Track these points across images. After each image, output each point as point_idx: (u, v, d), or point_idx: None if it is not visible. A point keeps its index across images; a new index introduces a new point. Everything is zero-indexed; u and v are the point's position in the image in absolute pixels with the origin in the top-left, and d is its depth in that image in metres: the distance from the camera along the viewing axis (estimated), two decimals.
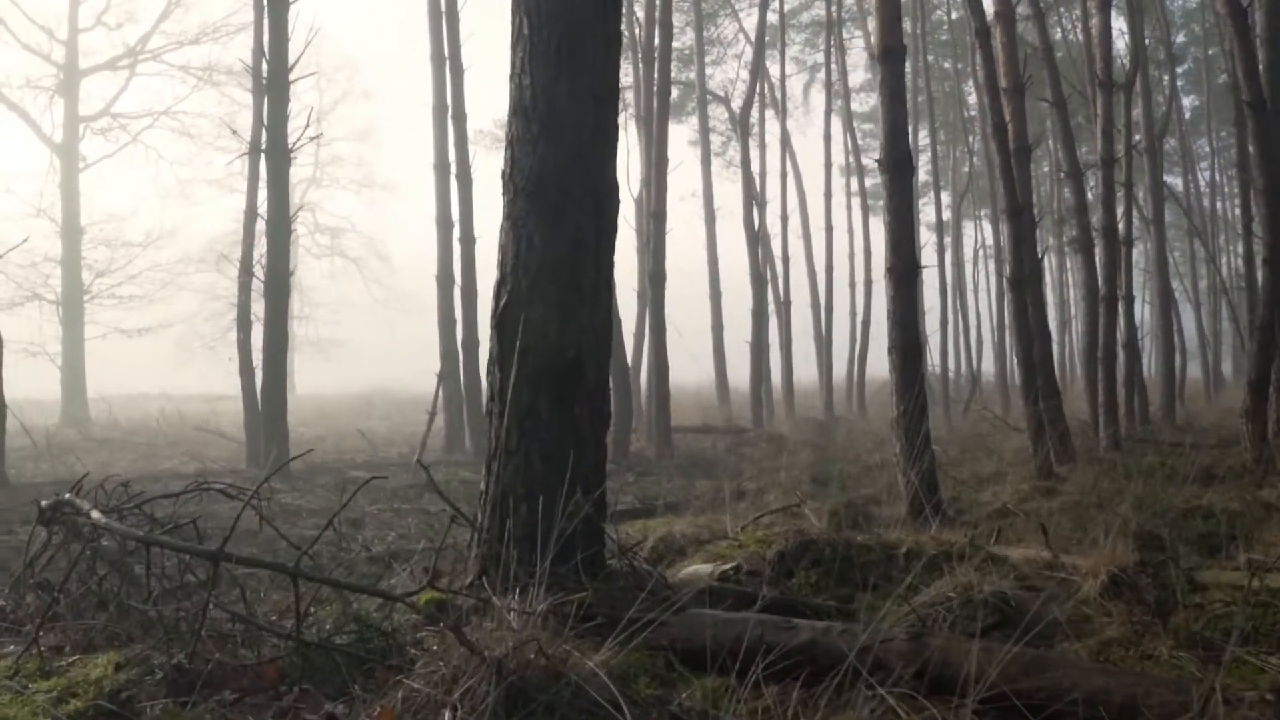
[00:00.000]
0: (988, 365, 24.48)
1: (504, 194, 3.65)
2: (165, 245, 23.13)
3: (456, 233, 13.83)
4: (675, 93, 19.26)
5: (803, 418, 18.70)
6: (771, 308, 21.18)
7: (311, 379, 29.47)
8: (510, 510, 3.35)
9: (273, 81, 10.83)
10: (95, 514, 3.14)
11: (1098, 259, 11.88)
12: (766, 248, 21.06)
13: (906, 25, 19.29)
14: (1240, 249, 25.59)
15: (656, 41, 14.22)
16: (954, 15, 25.04)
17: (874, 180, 27.80)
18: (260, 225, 11.52)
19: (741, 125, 20.68)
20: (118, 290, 21.74)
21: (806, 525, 4.43)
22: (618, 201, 3.75)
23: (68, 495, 3.49)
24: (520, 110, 3.58)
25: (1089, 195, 13.89)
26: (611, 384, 4.05)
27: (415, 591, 2.93)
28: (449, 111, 13.89)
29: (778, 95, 23.67)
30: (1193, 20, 26.53)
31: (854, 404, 21.57)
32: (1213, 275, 23.72)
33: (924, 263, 7.74)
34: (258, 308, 11.75)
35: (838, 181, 24.62)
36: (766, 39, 21.61)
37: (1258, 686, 2.49)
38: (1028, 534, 5.77)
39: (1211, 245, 24.22)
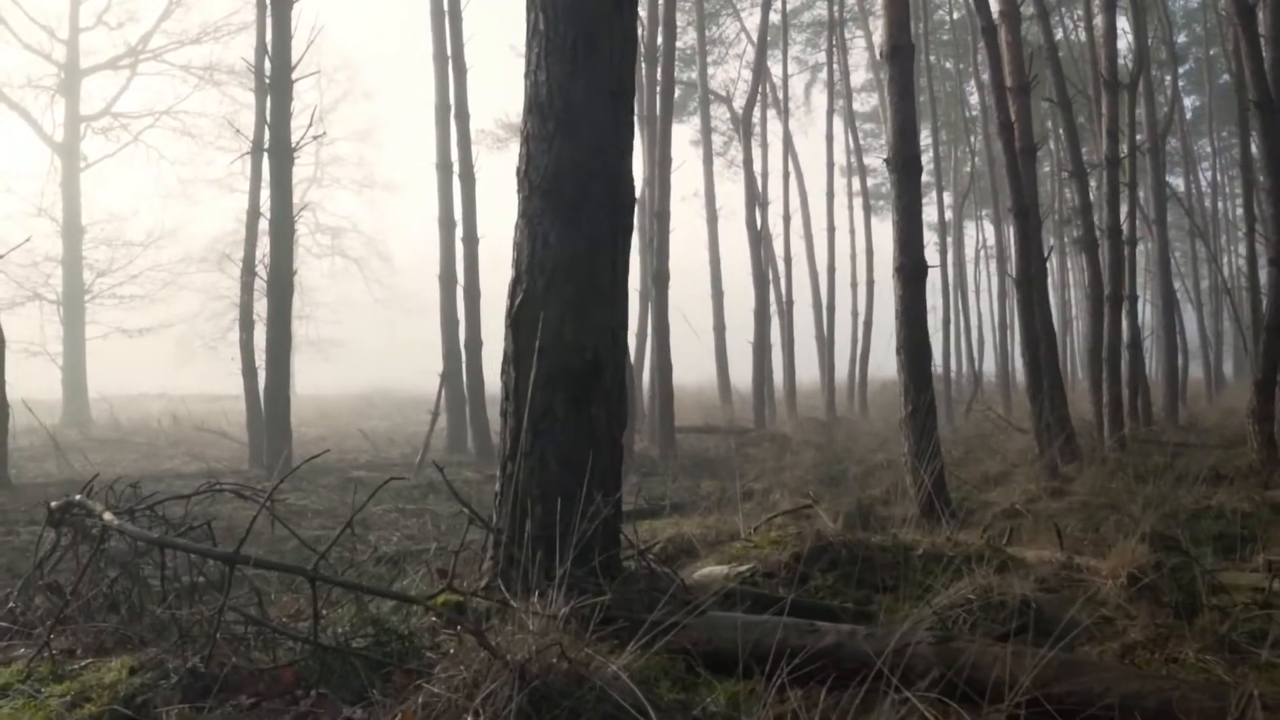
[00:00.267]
0: (988, 365, 24.46)
1: (519, 192, 3.61)
2: (166, 245, 23.12)
3: (459, 232, 13.78)
4: (677, 92, 19.19)
5: (805, 418, 18.67)
6: (773, 308, 21.14)
7: (312, 379, 29.39)
8: (527, 512, 3.31)
9: (276, 80, 10.80)
10: (107, 515, 3.10)
11: (1102, 259, 11.86)
12: (768, 248, 21.02)
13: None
14: (1242, 249, 25.59)
15: (660, 41, 14.18)
16: (955, 15, 25.04)
17: (875, 180, 27.82)
18: (263, 224, 11.48)
19: (744, 125, 20.63)
20: (119, 290, 21.72)
21: (821, 526, 4.39)
22: (634, 199, 3.71)
23: (78, 496, 3.44)
24: (536, 107, 3.54)
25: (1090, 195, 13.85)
26: None
27: (435, 594, 2.89)
28: (452, 111, 13.84)
29: (779, 95, 23.65)
30: (1194, 20, 26.53)
31: (855, 404, 21.54)
32: (1214, 275, 23.71)
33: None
34: (259, 307, 11.72)
35: (839, 181, 24.62)
36: (768, 39, 21.57)
37: None
38: (1038, 535, 5.73)
39: (1213, 245, 24.21)
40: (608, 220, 3.55)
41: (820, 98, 27.69)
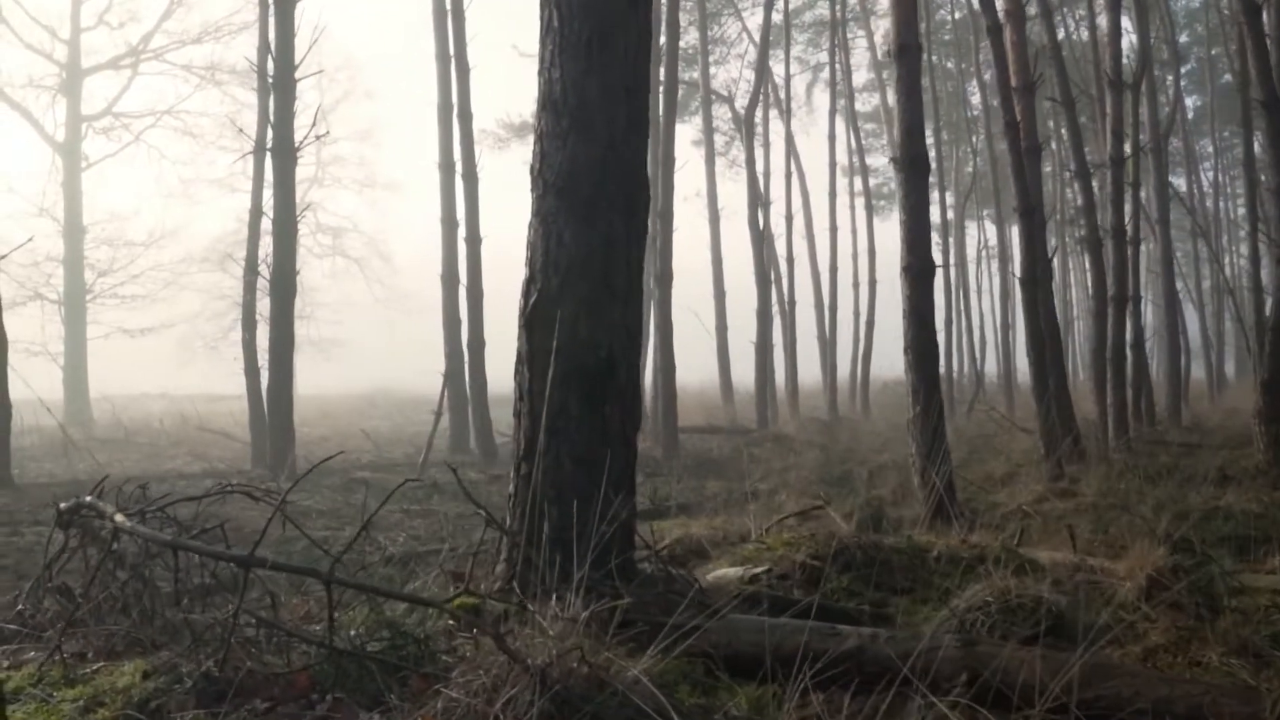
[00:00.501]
0: (990, 365, 24.44)
1: (533, 190, 3.58)
2: (167, 245, 23.08)
3: (462, 232, 13.75)
4: (679, 92, 19.16)
5: (807, 418, 18.64)
6: (775, 308, 21.11)
7: (312, 379, 29.33)
8: (541, 513, 3.27)
9: (279, 80, 10.76)
10: (119, 518, 3.06)
11: (1106, 259, 11.84)
12: (770, 248, 20.99)
13: None
14: (1243, 249, 25.58)
15: (663, 40, 14.15)
16: (957, 15, 25.03)
17: (877, 180, 27.81)
18: (265, 224, 11.45)
19: (746, 125, 20.61)
20: (120, 290, 21.69)
21: (834, 528, 4.36)
22: (649, 197, 3.68)
23: (88, 498, 3.41)
24: (550, 104, 3.51)
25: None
26: None
27: (453, 597, 2.86)
28: (454, 110, 13.81)
29: (781, 95, 23.62)
30: (1196, 20, 26.51)
31: (857, 404, 21.52)
32: (1216, 275, 23.70)
33: None
34: (261, 306, 11.69)
35: (841, 181, 24.59)
36: (770, 38, 21.55)
37: None
38: (1048, 536, 5.70)
39: (1215, 245, 24.19)
40: (622, 218, 3.51)
41: (822, 97, 27.66)
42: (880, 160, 29.66)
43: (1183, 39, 25.17)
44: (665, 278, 13.42)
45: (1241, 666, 2.83)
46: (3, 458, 8.93)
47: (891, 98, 26.79)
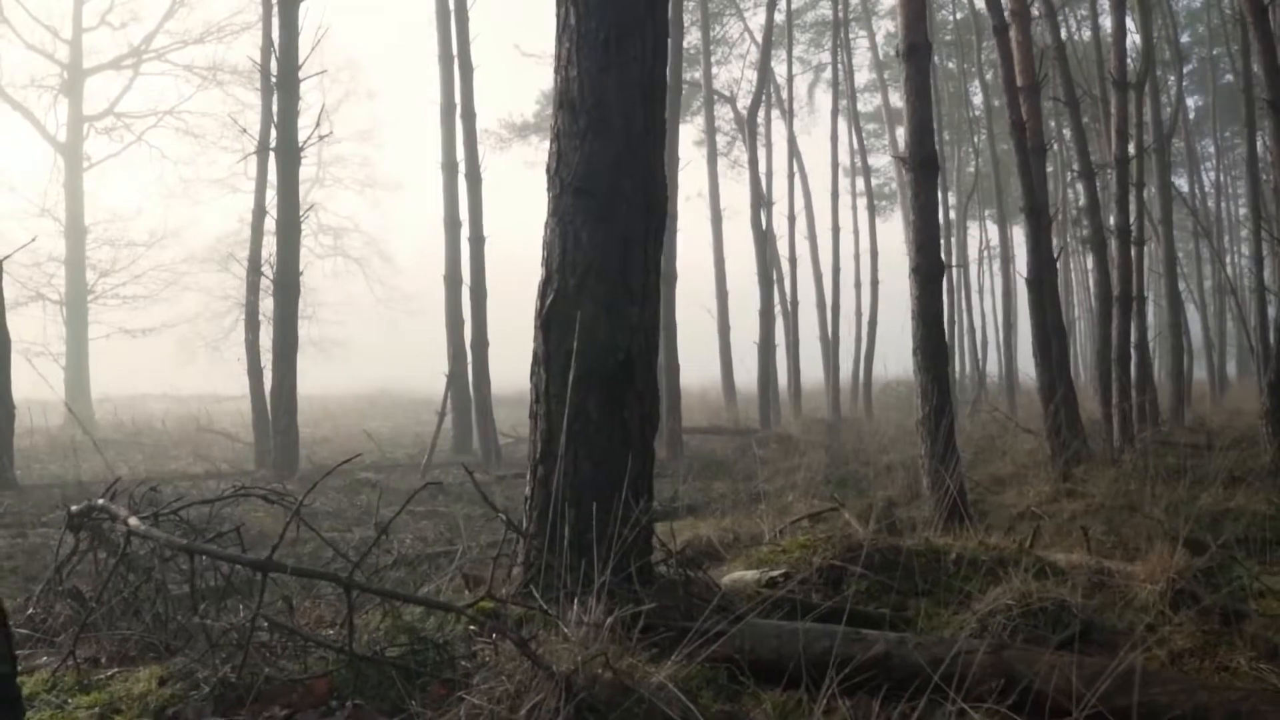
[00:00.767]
0: (991, 366, 24.42)
1: (549, 190, 3.54)
2: (169, 245, 23.06)
3: (465, 232, 13.71)
4: (681, 92, 19.12)
5: (810, 419, 18.60)
6: (778, 308, 21.07)
7: (314, 379, 29.21)
8: (559, 516, 3.23)
9: (283, 79, 10.72)
10: (133, 521, 3.02)
11: (1112, 259, 11.81)
12: (773, 248, 20.96)
13: None
14: (1246, 250, 25.55)
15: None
16: (958, 15, 25.01)
17: (879, 180, 27.78)
18: (268, 224, 11.40)
19: (749, 125, 20.57)
20: (122, 290, 21.65)
21: (849, 530, 4.32)
22: (666, 197, 3.64)
23: (100, 501, 3.37)
24: (567, 103, 3.47)
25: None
26: None
27: (475, 601, 2.82)
28: (458, 110, 13.77)
29: (783, 95, 23.59)
30: (1197, 20, 26.50)
31: (859, 405, 21.48)
32: (1218, 275, 23.68)
33: None
34: (264, 306, 11.64)
35: (843, 182, 24.56)
36: (772, 38, 21.51)
37: None
38: (1060, 538, 5.67)
39: (1217, 245, 24.18)
40: (640, 218, 3.47)
41: (824, 97, 27.73)
42: (882, 160, 29.66)
43: (1184, 39, 25.17)
44: (669, 278, 13.37)
45: (1271, 671, 2.80)
46: (6, 458, 8.89)
47: (893, 98, 26.86)
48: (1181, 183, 24.11)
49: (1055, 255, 10.77)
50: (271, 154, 11.06)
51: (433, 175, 14.17)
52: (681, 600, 3.10)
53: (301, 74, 10.87)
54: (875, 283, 22.37)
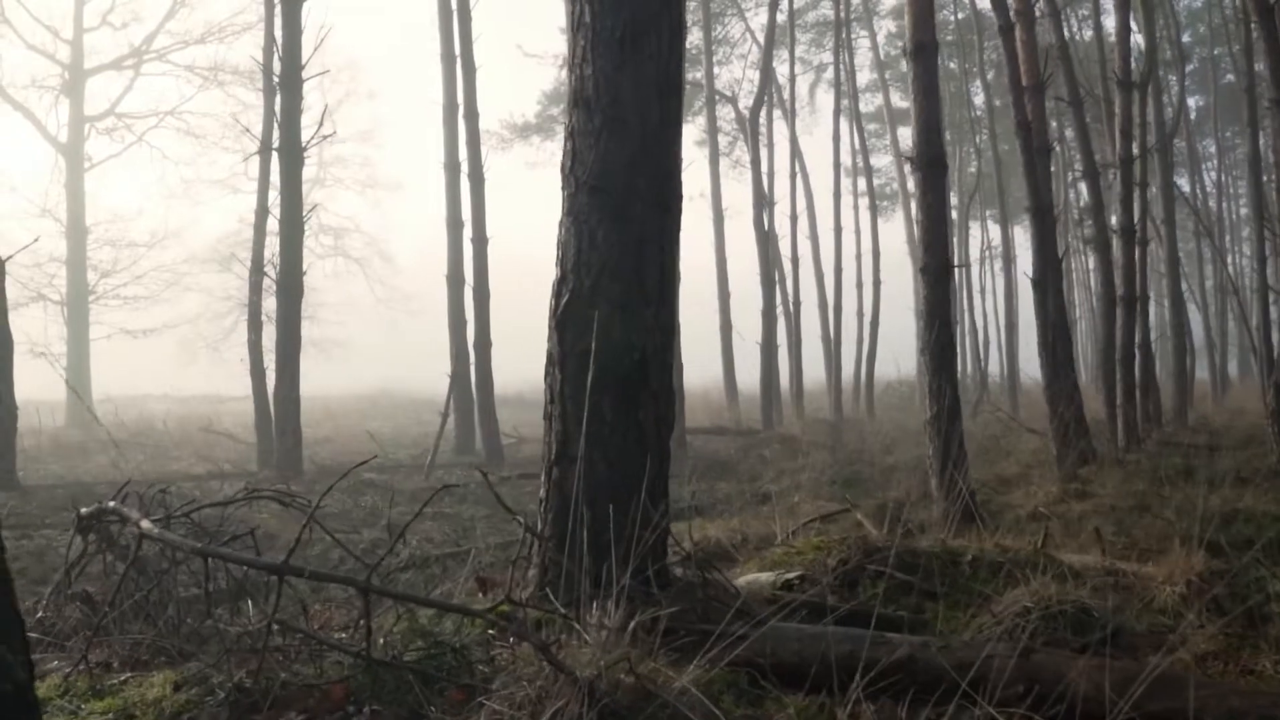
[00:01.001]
0: (993, 366, 24.39)
1: (564, 189, 3.51)
2: (170, 245, 23.00)
3: (468, 232, 13.68)
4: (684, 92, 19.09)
5: (812, 419, 18.56)
6: (780, 309, 21.04)
7: (315, 379, 29.13)
8: (574, 518, 3.20)
9: (286, 79, 10.68)
10: (145, 524, 2.99)
11: (1115, 259, 11.78)
12: (775, 248, 20.93)
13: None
14: (1247, 250, 25.52)
15: None
16: (959, 15, 24.98)
17: (880, 180, 27.74)
18: (270, 224, 11.37)
19: (751, 125, 20.53)
20: (123, 290, 21.60)
21: (862, 531, 4.29)
22: (682, 196, 3.61)
23: (111, 503, 3.34)
24: (581, 101, 3.43)
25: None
26: None
27: (494, 606, 2.79)
28: (460, 110, 13.74)
29: (785, 95, 23.56)
30: (1198, 20, 26.49)
31: (861, 405, 21.44)
32: (1220, 275, 23.66)
33: None
34: (267, 306, 11.60)
35: (845, 182, 24.52)
36: (774, 38, 21.47)
37: None
38: (1070, 538, 5.64)
39: (1219, 245, 24.17)
40: (656, 218, 3.44)
41: (825, 98, 27.70)
42: (883, 160, 29.63)
43: (1185, 39, 25.15)
44: None
45: None
46: (8, 460, 8.85)
47: (895, 98, 26.87)
48: (1183, 183, 24.12)
49: (1062, 255, 10.74)
50: (274, 154, 11.02)
51: (433, 175, 14.24)
52: (700, 603, 3.07)
53: (304, 74, 10.84)
54: (877, 283, 22.36)
